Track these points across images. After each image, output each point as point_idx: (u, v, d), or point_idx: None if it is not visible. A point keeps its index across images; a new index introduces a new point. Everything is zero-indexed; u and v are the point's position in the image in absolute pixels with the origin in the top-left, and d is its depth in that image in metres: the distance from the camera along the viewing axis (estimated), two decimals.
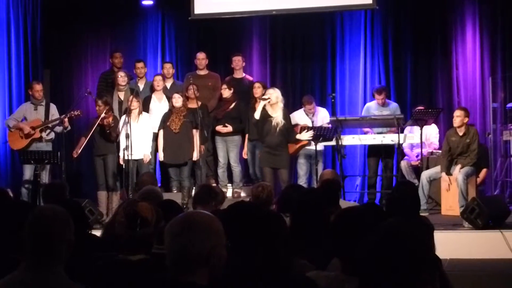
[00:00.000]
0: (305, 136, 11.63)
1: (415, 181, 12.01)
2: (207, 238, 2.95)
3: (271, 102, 11.34)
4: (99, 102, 11.72)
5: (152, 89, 12.66)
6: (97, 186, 11.86)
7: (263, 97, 11.48)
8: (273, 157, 11.36)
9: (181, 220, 3.02)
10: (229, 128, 12.31)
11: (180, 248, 2.95)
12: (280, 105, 11.41)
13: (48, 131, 12.01)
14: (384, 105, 12.69)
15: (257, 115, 11.35)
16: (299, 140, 11.78)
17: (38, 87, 12.14)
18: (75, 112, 11.89)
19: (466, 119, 11.65)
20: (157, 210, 4.40)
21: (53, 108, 12.24)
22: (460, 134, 11.58)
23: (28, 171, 11.82)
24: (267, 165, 11.40)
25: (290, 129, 11.49)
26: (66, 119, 11.78)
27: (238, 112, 12.35)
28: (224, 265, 3.04)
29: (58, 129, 11.94)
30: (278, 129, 11.29)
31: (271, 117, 11.34)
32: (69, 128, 12.04)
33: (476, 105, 13.60)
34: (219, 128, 12.36)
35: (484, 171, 12.58)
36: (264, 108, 11.37)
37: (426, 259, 2.85)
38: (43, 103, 12.15)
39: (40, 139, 11.92)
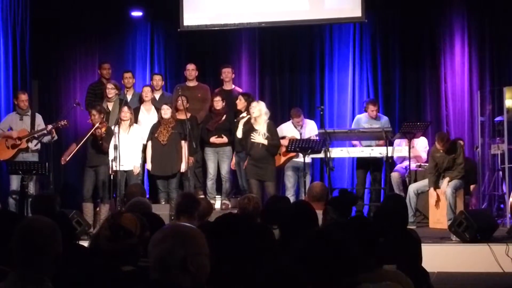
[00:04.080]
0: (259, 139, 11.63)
1: (402, 193, 12.00)
2: (182, 245, 3.07)
3: (255, 115, 11.39)
4: (93, 111, 11.68)
5: (141, 100, 12.65)
6: (83, 197, 11.82)
7: (241, 115, 11.52)
8: (258, 169, 11.41)
9: (161, 230, 3.17)
10: (224, 139, 12.30)
11: (158, 255, 3.08)
12: (264, 117, 11.46)
13: (34, 141, 11.94)
14: (375, 118, 12.70)
15: (239, 133, 11.55)
16: (281, 153, 11.84)
17: (23, 97, 12.07)
18: (61, 122, 11.83)
19: (449, 141, 11.72)
20: (142, 221, 4.38)
21: (38, 118, 12.18)
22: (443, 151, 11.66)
23: (15, 182, 11.75)
24: (252, 177, 11.44)
25: (271, 143, 11.47)
26: (53, 129, 11.72)
27: (229, 124, 12.35)
28: (208, 275, 3.17)
29: (45, 139, 11.88)
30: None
31: (256, 130, 11.38)
32: (56, 138, 11.97)
33: (464, 119, 13.64)
34: (214, 139, 12.32)
35: (472, 186, 12.62)
36: (248, 121, 11.44)
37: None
38: (29, 113, 12.08)
39: (26, 150, 11.84)
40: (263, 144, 11.37)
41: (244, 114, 11.50)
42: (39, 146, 12.02)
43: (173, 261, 3.05)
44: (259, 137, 11.44)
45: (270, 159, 11.55)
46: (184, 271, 3.06)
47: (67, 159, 11.73)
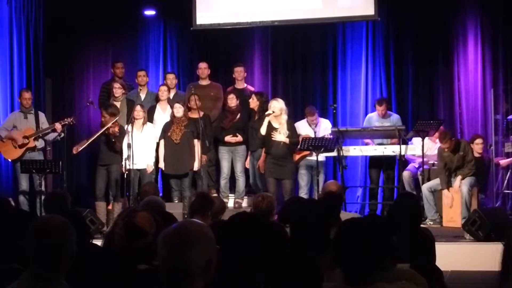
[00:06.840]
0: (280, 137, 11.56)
1: (413, 192, 11.98)
2: (205, 250, 2.92)
3: (275, 114, 11.39)
4: (104, 113, 11.72)
5: (157, 99, 12.66)
6: (95, 196, 11.85)
7: (267, 112, 11.49)
8: (278, 168, 11.43)
9: (178, 233, 2.96)
10: (239, 138, 12.30)
11: (182, 264, 2.91)
12: (284, 116, 11.49)
13: (40, 140, 11.92)
14: (385, 116, 12.69)
15: (263, 130, 11.40)
16: (299, 151, 11.82)
17: (26, 95, 12.07)
18: (68, 119, 11.81)
19: (453, 140, 11.70)
20: (157, 220, 4.37)
21: (42, 116, 12.18)
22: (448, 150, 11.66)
23: (24, 181, 11.77)
24: (271, 176, 11.47)
25: (292, 140, 11.48)
26: (59, 125, 11.67)
27: (243, 122, 12.36)
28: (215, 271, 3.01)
29: (52, 136, 11.87)
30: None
31: (276, 129, 11.37)
32: (62, 135, 11.93)
33: (477, 117, 13.58)
34: (228, 138, 12.32)
35: None
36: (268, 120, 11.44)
37: None
38: (32, 112, 12.08)
39: (33, 149, 11.85)
40: (284, 143, 11.39)
41: (270, 111, 11.45)
42: (43, 144, 12.01)
43: (198, 268, 2.91)
44: (280, 135, 11.46)
45: (290, 157, 11.62)
46: (204, 275, 2.94)
47: (79, 149, 11.67)
